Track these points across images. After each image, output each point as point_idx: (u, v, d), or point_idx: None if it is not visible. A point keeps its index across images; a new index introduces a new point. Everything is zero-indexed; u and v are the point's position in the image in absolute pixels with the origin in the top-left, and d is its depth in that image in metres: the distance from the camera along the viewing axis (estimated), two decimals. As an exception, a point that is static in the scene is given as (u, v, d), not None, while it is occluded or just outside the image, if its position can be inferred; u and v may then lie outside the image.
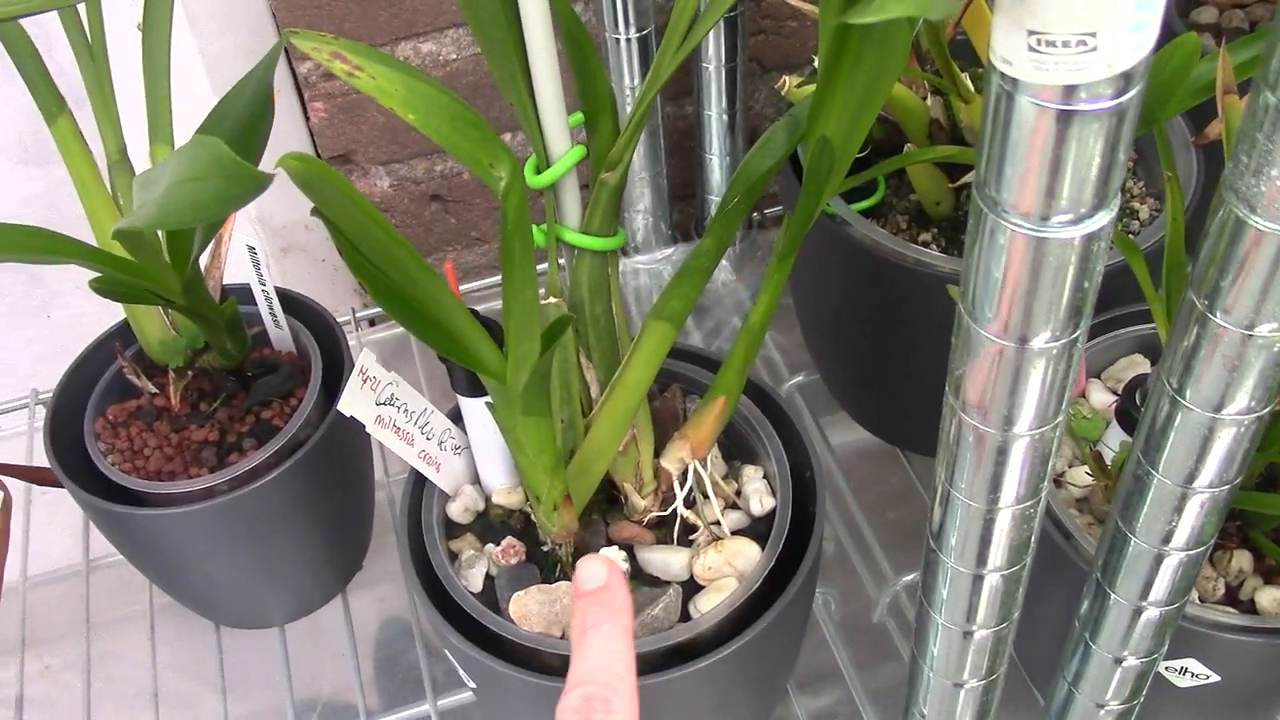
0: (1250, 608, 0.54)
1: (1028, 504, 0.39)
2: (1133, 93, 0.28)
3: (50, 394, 0.67)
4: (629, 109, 0.74)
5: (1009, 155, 0.30)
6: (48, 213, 0.94)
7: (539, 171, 0.49)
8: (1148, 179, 0.69)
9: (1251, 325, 0.35)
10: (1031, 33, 0.27)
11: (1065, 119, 0.29)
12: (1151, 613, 0.46)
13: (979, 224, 0.32)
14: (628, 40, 0.78)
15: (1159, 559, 0.44)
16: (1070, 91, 0.28)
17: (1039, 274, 0.32)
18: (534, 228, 0.51)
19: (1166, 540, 0.43)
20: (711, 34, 0.79)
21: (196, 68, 0.85)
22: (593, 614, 0.35)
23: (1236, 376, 0.37)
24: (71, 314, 1.00)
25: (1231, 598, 0.55)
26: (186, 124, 0.65)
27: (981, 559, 0.42)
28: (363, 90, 0.33)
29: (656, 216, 0.89)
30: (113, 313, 0.71)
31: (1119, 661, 0.49)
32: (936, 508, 0.42)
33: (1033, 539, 0.41)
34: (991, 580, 0.43)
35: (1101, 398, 0.61)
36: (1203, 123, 0.59)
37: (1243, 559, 0.55)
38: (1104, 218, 0.31)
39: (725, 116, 0.84)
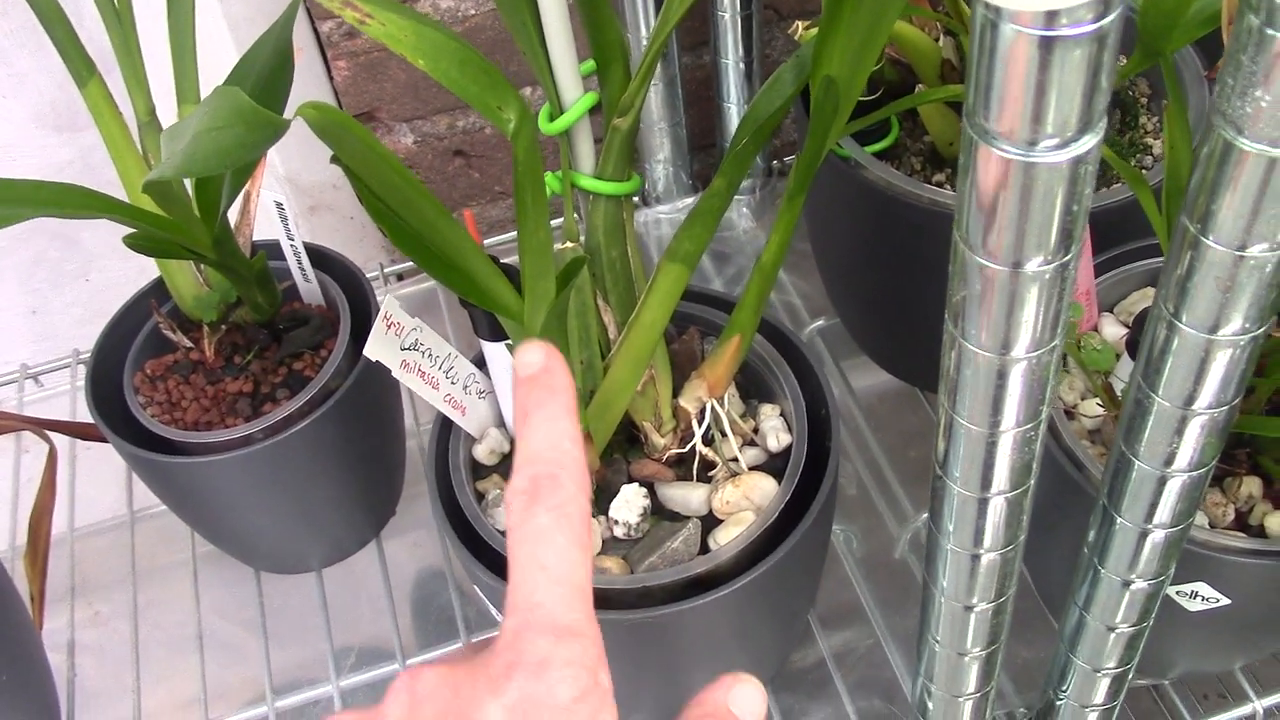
0: (1260, 532, 0.55)
1: (1028, 427, 0.41)
2: (1112, 16, 0.29)
3: (90, 353, 0.70)
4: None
5: (995, 83, 0.31)
6: (82, 176, 0.96)
7: (552, 119, 0.50)
8: (1162, 114, 0.70)
9: (1243, 246, 0.36)
10: (1011, -39, 0.28)
11: (1047, 44, 0.29)
12: (1157, 535, 0.47)
13: (970, 152, 0.33)
14: (644, -11, 0.78)
15: (1162, 481, 0.45)
16: (1051, 17, 0.29)
17: (1029, 198, 0.33)
18: (550, 174, 0.52)
19: (1169, 462, 0.44)
20: (726, -19, 0.80)
21: (221, 29, 0.87)
22: (534, 396, 0.33)
23: (1230, 298, 0.38)
24: (108, 277, 1.02)
25: (1241, 523, 0.56)
26: (213, 84, 0.66)
27: (985, 483, 0.43)
28: (372, 36, 0.34)
29: (676, 166, 0.90)
30: (148, 275, 0.74)
31: (1127, 585, 0.50)
32: (940, 435, 0.43)
33: (1035, 462, 0.43)
34: (996, 504, 0.44)
35: (1114, 330, 0.62)
36: (1217, 57, 0.59)
37: (1252, 484, 0.56)
38: (1090, 141, 0.32)
39: (742, 65, 0.84)
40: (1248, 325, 0.39)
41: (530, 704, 0.29)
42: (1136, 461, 0.45)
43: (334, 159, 0.40)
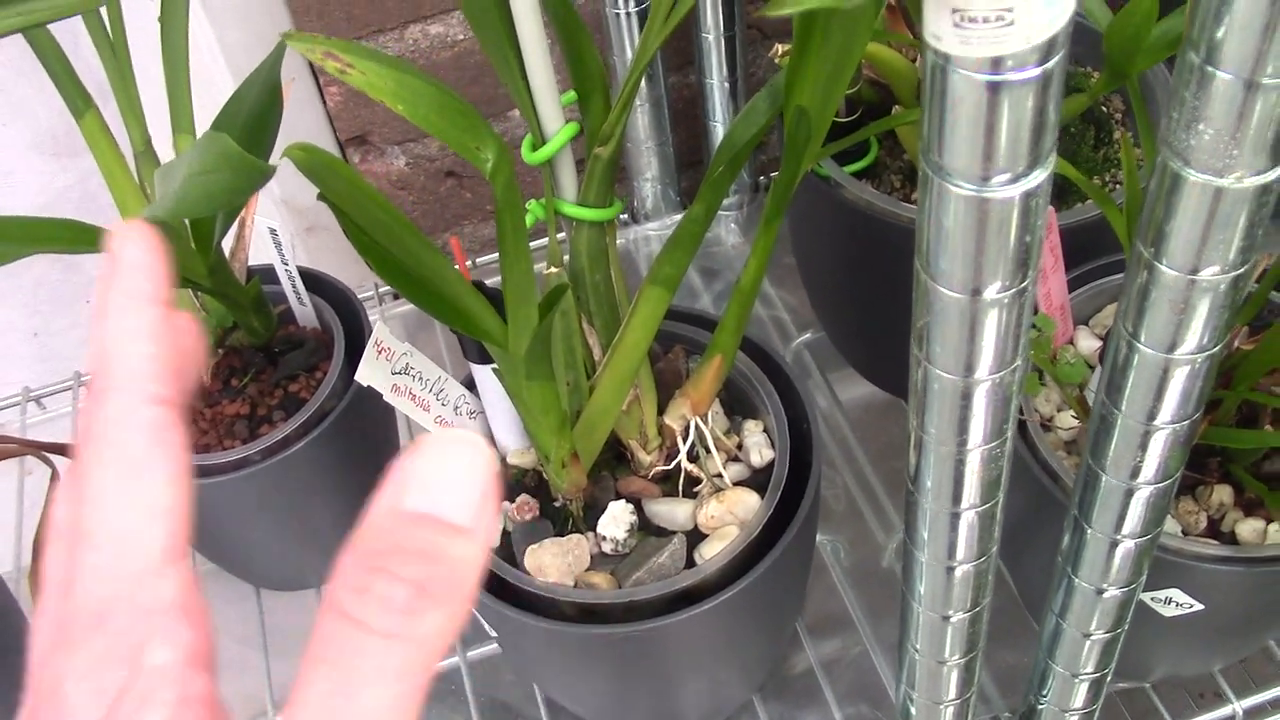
0: (1231, 539, 0.57)
1: (994, 444, 0.42)
2: (1055, 59, 0.31)
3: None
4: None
5: (947, 123, 0.33)
6: (81, 202, 0.98)
7: (535, 149, 0.52)
8: (1136, 130, 0.71)
9: (1195, 270, 0.38)
10: (955, 10, 0.30)
11: (994, 88, 0.31)
12: (1127, 544, 0.49)
13: (927, 187, 0.35)
14: (627, 14, 0.80)
15: (1129, 493, 0.46)
16: (997, 63, 0.31)
17: (984, 231, 0.35)
18: (534, 201, 0.54)
19: (1135, 475, 0.46)
20: (709, 3, 0.81)
21: (216, 56, 0.88)
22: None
23: (1185, 319, 0.39)
24: (109, 300, 1.04)
25: (1214, 530, 0.57)
26: (209, 111, 0.68)
27: (956, 498, 0.45)
28: (354, 85, 0.36)
29: (664, 184, 0.92)
30: (148, 296, 0.75)
31: (1100, 592, 0.51)
32: (911, 452, 0.44)
33: (1004, 477, 0.44)
34: (968, 517, 0.45)
35: (1089, 344, 0.64)
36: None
37: (1224, 493, 0.57)
38: (1040, 175, 0.34)
39: (726, 84, 0.86)
40: (1204, 344, 0.40)
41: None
42: (1104, 475, 0.46)
43: (320, 196, 0.41)
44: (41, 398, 0.90)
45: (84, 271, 1.02)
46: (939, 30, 0.31)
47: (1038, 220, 0.35)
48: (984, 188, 0.34)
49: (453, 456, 0.24)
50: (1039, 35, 0.30)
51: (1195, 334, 0.40)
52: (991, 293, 0.37)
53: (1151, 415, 0.43)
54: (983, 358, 0.39)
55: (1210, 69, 0.33)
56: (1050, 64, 0.31)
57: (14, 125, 0.94)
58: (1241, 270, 0.38)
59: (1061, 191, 0.68)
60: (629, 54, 0.83)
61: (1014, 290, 0.37)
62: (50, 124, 0.95)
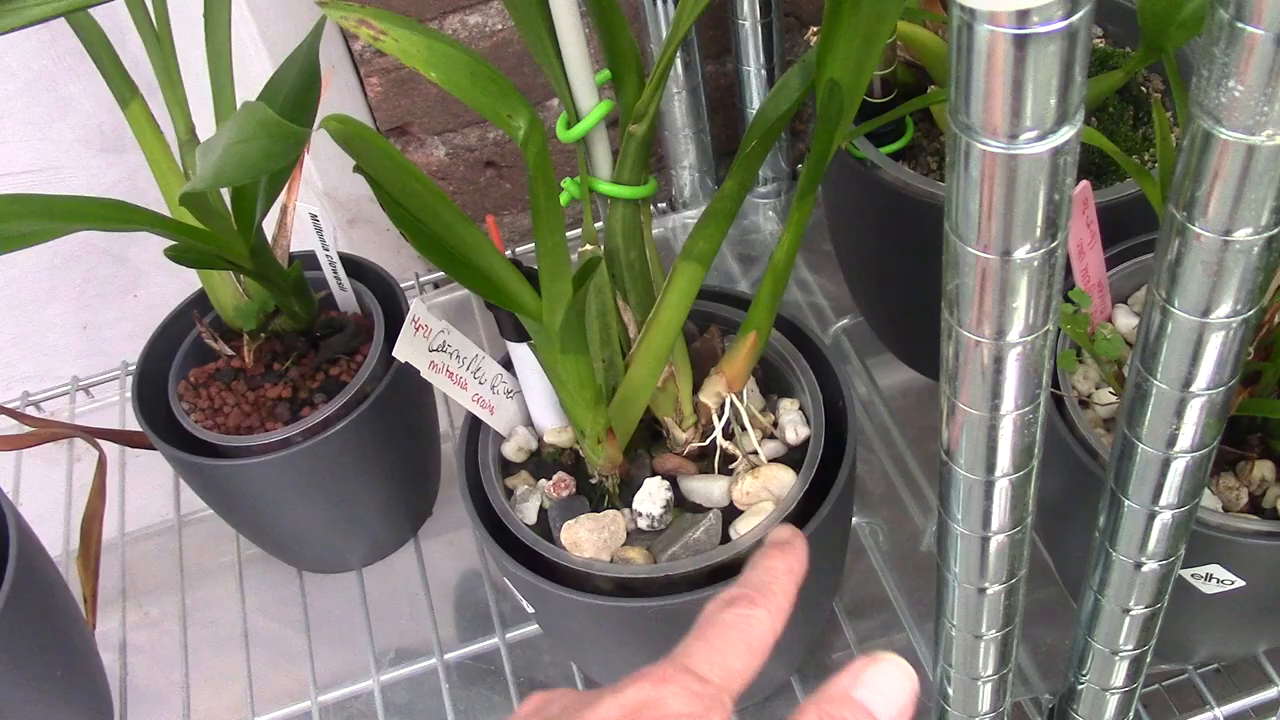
0: (1273, 515, 0.56)
1: (1026, 409, 0.42)
2: (1082, 12, 0.31)
3: (136, 363, 0.73)
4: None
5: (974, 81, 0.33)
6: (129, 197, 0.99)
7: (569, 127, 0.52)
8: (1175, 109, 0.71)
9: (1228, 231, 0.38)
10: (980, -36, 0.30)
11: (1021, 43, 0.31)
12: (1165, 516, 0.48)
13: (955, 147, 0.35)
14: (663, 1, 0.80)
15: (1166, 463, 0.46)
16: (1023, 16, 0.31)
17: (1013, 189, 0.35)
18: (569, 180, 0.55)
19: (1171, 444, 0.45)
20: (745, -10, 0.82)
21: (259, 48, 0.90)
22: (770, 552, 0.40)
23: (1219, 282, 0.39)
24: (155, 293, 1.06)
25: (1255, 506, 0.57)
26: (248, 95, 0.69)
27: (990, 466, 0.44)
28: (387, 52, 0.37)
29: (702, 171, 0.92)
30: (193, 290, 0.76)
31: (1139, 566, 0.51)
32: (944, 422, 0.44)
33: (1037, 444, 0.44)
34: (1001, 485, 0.45)
35: (1127, 321, 0.63)
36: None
37: (1265, 468, 0.57)
38: (1068, 132, 0.34)
39: (764, 71, 0.86)
40: (1238, 308, 0.40)
41: (642, 705, 0.33)
42: (1140, 444, 0.46)
43: (356, 168, 0.42)
44: (89, 387, 0.92)
45: (131, 266, 1.03)
46: (964, -16, 0.31)
47: (1066, 179, 0.35)
48: (1012, 145, 0.34)
49: (893, 674, 0.36)
50: (1065, -14, 0.30)
51: (1230, 297, 0.40)
52: (1022, 254, 0.37)
53: (1187, 382, 0.43)
54: (1014, 321, 0.39)
55: (1241, 25, 0.33)
56: (1077, 17, 0.31)
57: (63, 121, 0.95)
58: (1275, 231, 0.38)
59: (1100, 170, 0.68)
60: (664, 34, 0.83)
61: (1044, 251, 0.37)
62: (99, 120, 0.96)
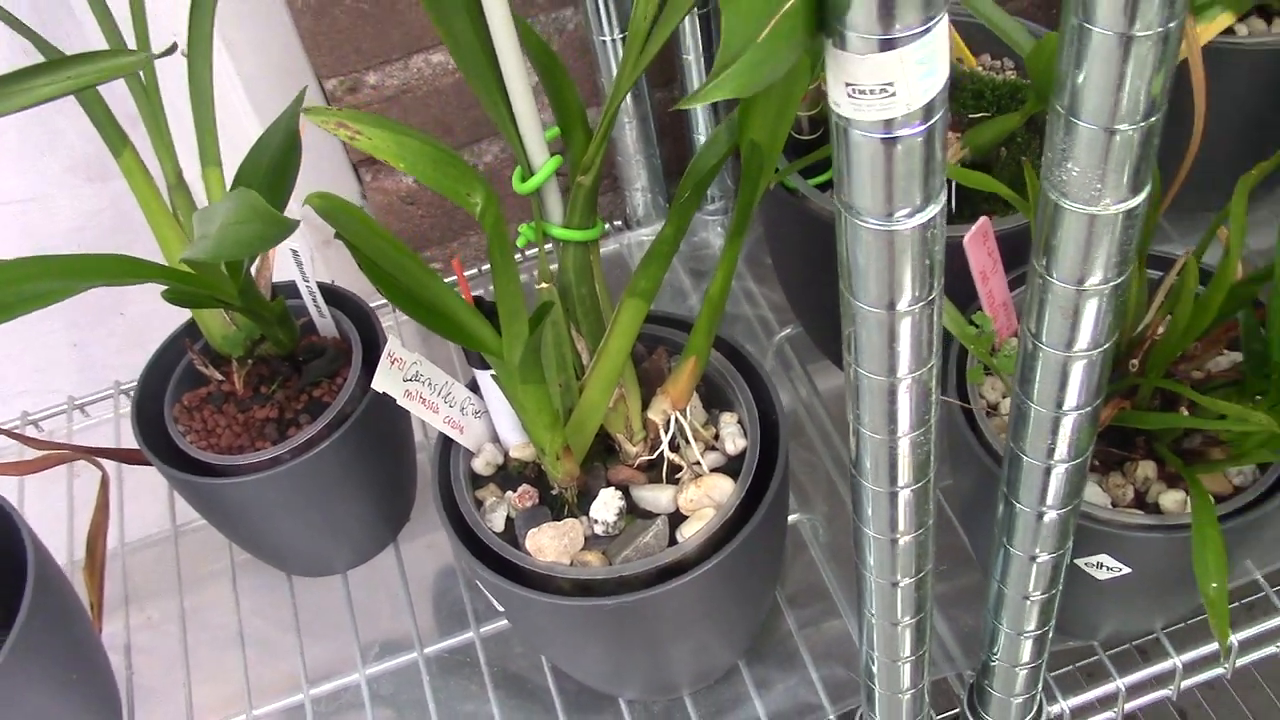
0: (1155, 510, 0.64)
1: (918, 432, 0.49)
2: (937, 117, 0.38)
3: (130, 384, 0.79)
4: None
5: (853, 172, 0.39)
6: (114, 222, 1.06)
7: (524, 179, 0.59)
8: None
9: (1081, 280, 0.45)
10: (848, 84, 0.37)
11: (888, 144, 0.38)
12: (1051, 515, 0.55)
13: (842, 222, 0.42)
14: (613, 41, 0.87)
15: (1047, 471, 0.53)
16: (888, 123, 0.37)
17: (892, 257, 0.42)
18: (525, 225, 0.61)
19: (1050, 454, 0.52)
20: (687, 26, 0.88)
21: (236, 86, 0.95)
22: None
23: (1076, 321, 0.46)
24: (141, 311, 1.11)
25: (1140, 502, 0.64)
26: (230, 140, 0.75)
27: (892, 479, 0.51)
28: (362, 149, 0.43)
29: (654, 192, 0.99)
30: (177, 308, 0.82)
31: (1033, 559, 0.58)
32: (851, 441, 0.51)
33: (931, 458, 0.51)
34: (904, 495, 0.52)
35: (1032, 336, 0.70)
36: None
37: (1148, 468, 0.64)
38: (933, 209, 0.40)
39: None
40: (1097, 340, 0.47)
41: None
42: (1024, 456, 0.53)
43: (337, 235, 0.48)
44: (85, 405, 0.98)
45: (118, 287, 1.09)
46: (838, 99, 0.37)
47: (936, 245, 0.42)
48: (888, 222, 0.40)
49: None
50: (918, 101, 0.37)
51: (1087, 333, 0.47)
52: (904, 305, 0.44)
53: (1059, 403, 0.50)
54: (902, 360, 0.46)
55: (1074, 120, 0.40)
56: (933, 121, 0.38)
57: (52, 153, 1.01)
58: (1120, 280, 0.45)
59: (1003, 200, 0.75)
60: (615, 76, 0.90)
61: (923, 302, 0.44)
62: (84, 151, 1.02)
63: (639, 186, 0.98)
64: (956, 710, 0.73)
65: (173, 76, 0.74)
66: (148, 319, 1.10)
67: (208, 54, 0.72)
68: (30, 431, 0.93)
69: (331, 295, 0.81)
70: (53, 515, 0.90)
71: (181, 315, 0.82)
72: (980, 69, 0.80)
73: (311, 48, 0.90)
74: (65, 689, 0.70)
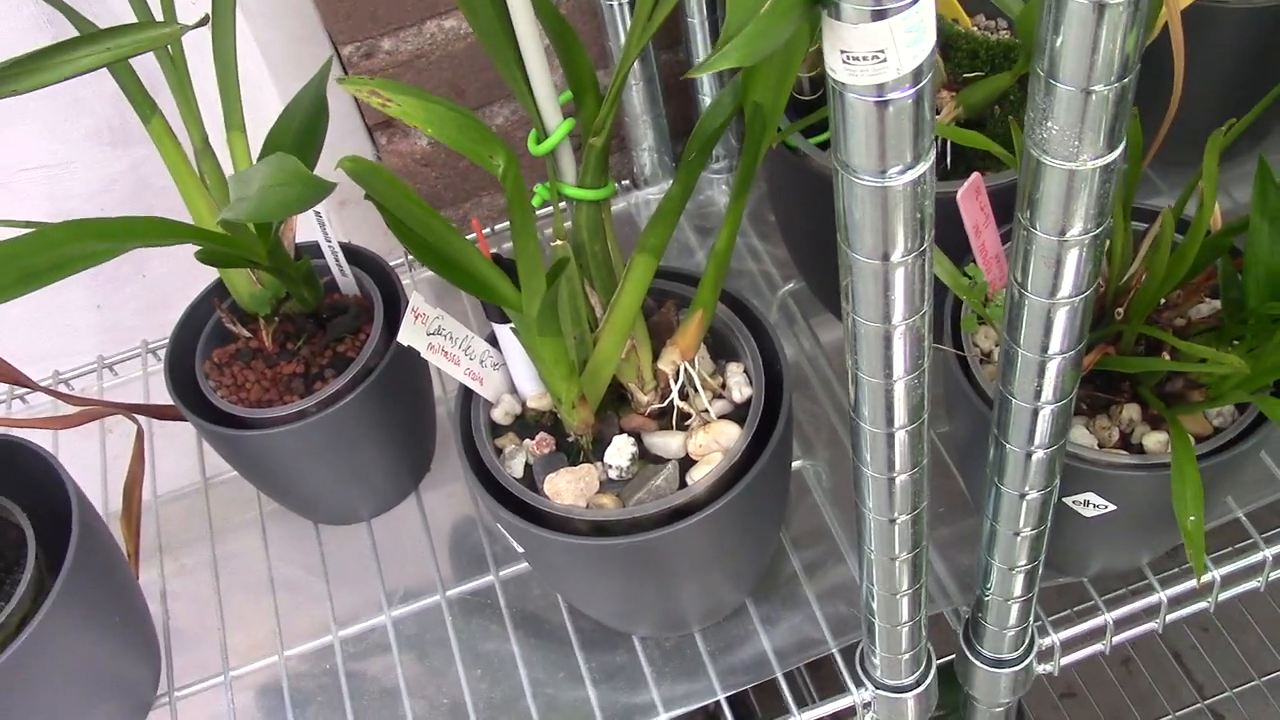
0: (1140, 450, 0.67)
1: (912, 375, 0.52)
2: (925, 80, 0.41)
3: (157, 343, 0.82)
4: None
5: (849, 132, 0.43)
6: (136, 186, 1.09)
7: (539, 142, 0.62)
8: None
9: (1062, 232, 0.48)
10: (842, 51, 0.40)
11: (881, 106, 0.41)
12: (1039, 454, 0.59)
13: (839, 180, 0.45)
14: (620, 5, 0.89)
15: (1035, 412, 0.56)
16: (880, 87, 0.41)
17: (885, 211, 0.45)
18: (540, 185, 0.64)
19: (1038, 396, 0.56)
20: (692, -10, 0.91)
21: (254, 52, 0.98)
22: None
23: (1059, 270, 0.49)
24: (161, 271, 1.15)
25: (1125, 443, 0.68)
26: (249, 103, 0.78)
27: (889, 421, 0.55)
28: (393, 115, 0.46)
29: (660, 152, 1.02)
30: (196, 269, 0.85)
31: (1023, 496, 0.61)
32: (850, 386, 0.55)
33: (925, 401, 0.54)
34: (900, 436, 0.56)
35: (1023, 287, 0.73)
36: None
37: (1132, 410, 0.67)
38: (923, 166, 0.44)
39: (713, 60, 0.95)
40: (1079, 288, 0.50)
41: None
42: (1013, 399, 0.56)
43: (367, 196, 0.52)
44: (114, 364, 1.01)
45: (138, 249, 1.12)
46: (834, 65, 0.41)
47: (926, 200, 0.45)
48: (882, 179, 0.44)
49: None
50: (908, 66, 0.40)
51: (1069, 282, 0.50)
52: (897, 256, 0.47)
53: (1044, 348, 0.53)
54: (896, 308, 0.49)
55: (1053, 81, 0.43)
56: (921, 84, 0.41)
57: (75, 120, 1.04)
58: (1099, 231, 0.48)
59: (996, 157, 0.78)
60: (623, 39, 0.92)
61: (915, 253, 0.47)
62: (106, 116, 1.05)
63: (646, 146, 1.01)
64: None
65: (193, 45, 0.77)
66: (167, 279, 1.14)
67: (231, 23, 0.75)
68: (62, 389, 0.97)
69: (353, 255, 0.84)
70: (87, 471, 0.94)
71: (203, 277, 0.85)
72: (975, 29, 0.83)
73: (328, 14, 0.93)
74: (108, 631, 0.74)
